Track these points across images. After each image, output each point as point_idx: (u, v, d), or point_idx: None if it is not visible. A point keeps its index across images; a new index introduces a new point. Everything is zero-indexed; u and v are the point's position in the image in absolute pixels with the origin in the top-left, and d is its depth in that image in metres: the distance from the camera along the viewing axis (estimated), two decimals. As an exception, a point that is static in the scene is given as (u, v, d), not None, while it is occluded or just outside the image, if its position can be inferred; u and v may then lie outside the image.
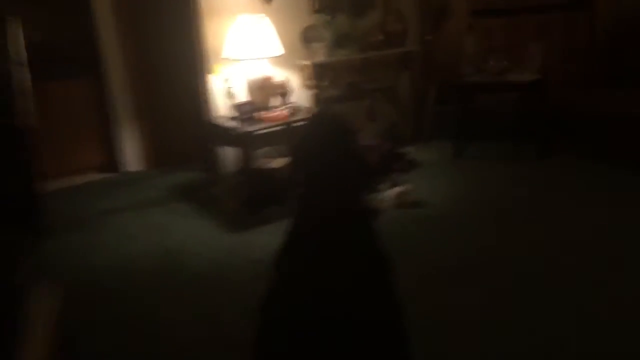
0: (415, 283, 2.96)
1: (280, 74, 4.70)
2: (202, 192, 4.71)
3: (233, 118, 4.40)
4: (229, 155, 4.66)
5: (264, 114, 4.28)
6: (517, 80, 4.71)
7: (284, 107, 4.42)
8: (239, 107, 4.37)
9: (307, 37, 4.91)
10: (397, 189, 3.99)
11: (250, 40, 4.35)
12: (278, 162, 4.56)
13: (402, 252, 3.25)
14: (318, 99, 4.85)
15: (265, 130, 4.16)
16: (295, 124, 4.28)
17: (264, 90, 4.51)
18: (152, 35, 5.10)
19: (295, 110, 4.43)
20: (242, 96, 4.56)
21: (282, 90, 4.62)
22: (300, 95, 4.86)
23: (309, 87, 4.91)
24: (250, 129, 4.12)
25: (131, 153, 5.40)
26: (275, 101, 4.61)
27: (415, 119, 5.45)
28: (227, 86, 4.52)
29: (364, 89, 5.24)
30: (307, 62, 4.81)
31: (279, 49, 4.49)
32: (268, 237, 3.60)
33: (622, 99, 4.43)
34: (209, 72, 4.55)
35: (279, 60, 4.74)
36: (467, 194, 4.21)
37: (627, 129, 4.30)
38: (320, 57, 4.83)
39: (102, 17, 5.05)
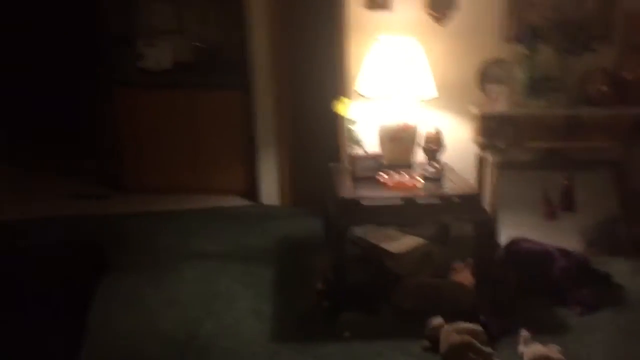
0: None
1: (432, 122, 3.36)
2: (307, 257, 3.63)
3: (348, 172, 3.25)
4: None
5: (384, 177, 3.02)
6: None
7: (422, 170, 3.11)
8: (356, 160, 3.19)
9: (488, 76, 3.44)
10: (540, 348, 2.34)
11: (389, 74, 3.14)
12: (400, 245, 3.25)
13: None
14: (484, 164, 3.36)
15: (374, 202, 2.89)
16: (426, 201, 2.91)
17: (398, 142, 3.23)
18: (296, 52, 4.18)
19: (437, 175, 3.06)
20: (373, 146, 3.36)
21: (429, 146, 3.28)
22: (458, 154, 3.43)
23: (478, 145, 3.45)
24: (354, 194, 2.92)
25: (268, 183, 4.59)
26: (419, 158, 3.31)
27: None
28: (351, 128, 3.37)
29: (568, 160, 3.53)
30: (477, 111, 3.36)
31: (430, 90, 3.17)
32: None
33: None
34: (334, 109, 3.45)
35: (438, 103, 3.41)
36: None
37: None
38: (501, 106, 3.32)
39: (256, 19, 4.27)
